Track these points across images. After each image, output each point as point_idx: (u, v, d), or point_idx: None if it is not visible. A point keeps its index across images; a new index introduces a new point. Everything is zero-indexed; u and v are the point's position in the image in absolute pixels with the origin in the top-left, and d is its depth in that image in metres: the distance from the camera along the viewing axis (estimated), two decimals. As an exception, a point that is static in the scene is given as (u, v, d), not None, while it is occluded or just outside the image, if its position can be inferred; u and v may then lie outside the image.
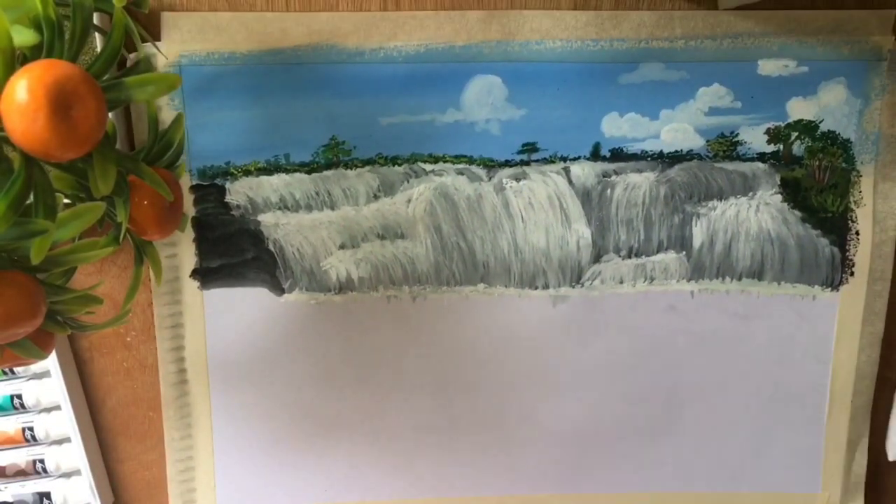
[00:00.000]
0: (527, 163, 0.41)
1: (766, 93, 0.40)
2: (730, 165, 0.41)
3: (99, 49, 0.37)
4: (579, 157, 0.41)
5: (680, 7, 0.39)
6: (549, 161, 0.41)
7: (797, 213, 0.42)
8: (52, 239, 0.25)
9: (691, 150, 0.41)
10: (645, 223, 0.42)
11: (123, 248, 0.39)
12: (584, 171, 0.41)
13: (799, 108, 0.41)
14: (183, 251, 0.41)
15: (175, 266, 0.41)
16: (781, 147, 0.41)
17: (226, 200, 0.41)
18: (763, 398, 0.44)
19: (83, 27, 0.26)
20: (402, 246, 0.42)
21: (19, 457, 0.43)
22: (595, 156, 0.41)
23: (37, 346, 0.30)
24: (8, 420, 0.43)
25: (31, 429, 0.43)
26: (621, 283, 0.42)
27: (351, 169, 0.41)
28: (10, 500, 0.43)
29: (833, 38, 0.40)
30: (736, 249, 0.42)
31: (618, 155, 0.41)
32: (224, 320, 0.42)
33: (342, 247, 0.42)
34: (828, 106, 0.41)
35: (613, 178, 0.41)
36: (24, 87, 0.23)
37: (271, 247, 0.42)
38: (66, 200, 0.31)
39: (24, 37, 0.24)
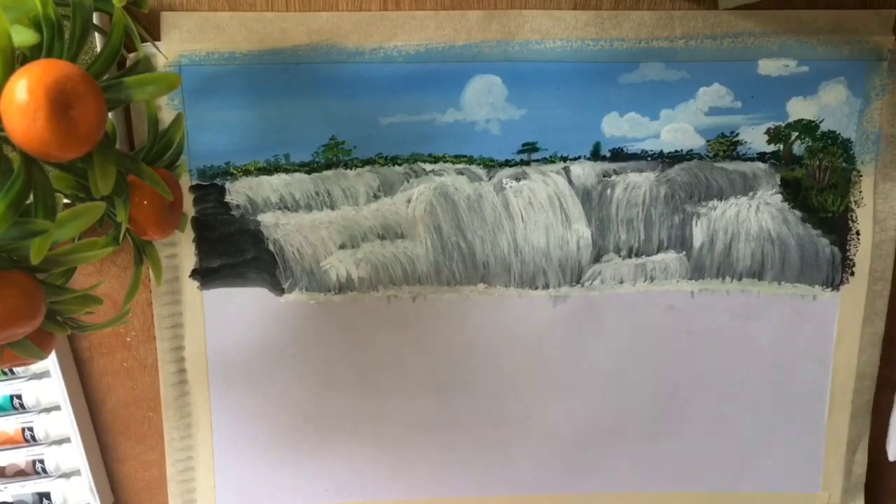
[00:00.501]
0: (527, 163, 0.41)
1: (767, 92, 0.40)
2: (730, 165, 0.41)
3: (99, 49, 0.37)
4: (579, 157, 0.41)
5: (680, 7, 0.39)
6: (549, 161, 0.41)
7: (797, 212, 0.42)
8: (51, 239, 0.25)
9: (691, 150, 0.41)
10: (645, 223, 0.42)
11: (123, 248, 0.39)
12: (584, 171, 0.41)
13: (799, 108, 0.41)
14: (183, 251, 0.41)
15: (175, 266, 0.41)
16: (781, 147, 0.41)
17: (226, 200, 0.41)
18: (763, 398, 0.44)
19: (83, 27, 0.26)
20: (402, 246, 0.42)
21: (19, 457, 0.43)
22: (595, 156, 0.41)
23: (37, 346, 0.30)
24: (8, 420, 0.43)
25: (30, 429, 0.43)
26: (621, 282, 0.42)
27: (351, 169, 0.41)
28: (10, 500, 0.43)
29: (833, 38, 0.40)
30: (736, 249, 0.42)
31: (618, 155, 0.41)
32: (224, 320, 0.42)
33: (342, 247, 0.42)
34: (828, 106, 0.41)
35: (613, 177, 0.41)
36: (23, 86, 0.23)
37: (271, 247, 0.42)
38: (66, 200, 0.31)
39: (23, 37, 0.24)
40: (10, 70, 0.23)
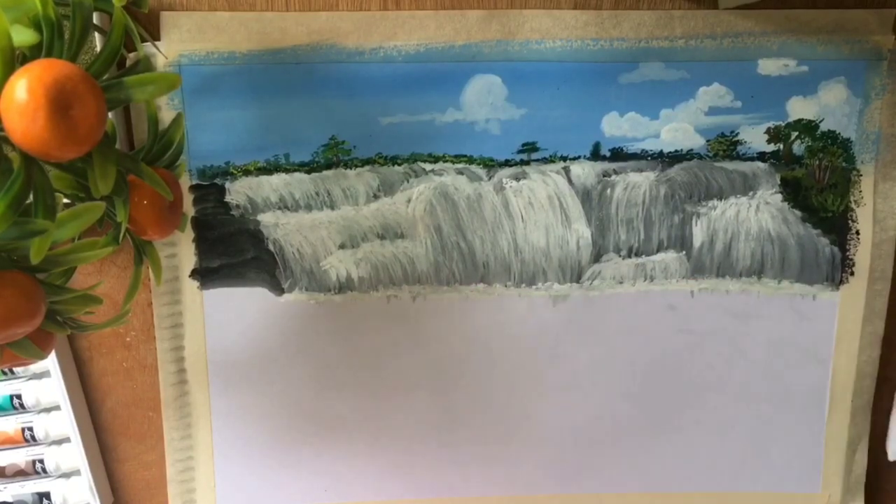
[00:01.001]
0: (527, 162, 0.41)
1: (767, 92, 0.40)
2: (730, 165, 0.41)
3: (99, 49, 0.37)
4: (579, 157, 0.41)
5: (680, 7, 0.39)
6: (549, 161, 0.41)
7: (797, 212, 0.42)
8: (51, 239, 0.25)
9: (691, 150, 0.41)
10: (645, 223, 0.42)
11: (123, 248, 0.39)
12: (584, 171, 0.41)
13: (799, 108, 0.41)
14: (182, 251, 0.41)
15: (175, 266, 0.41)
16: (781, 146, 0.41)
17: (225, 200, 0.41)
18: (763, 398, 0.44)
19: (83, 27, 0.26)
20: (401, 246, 0.42)
21: (19, 457, 0.43)
22: (595, 155, 0.41)
23: (36, 346, 0.30)
24: (7, 420, 0.43)
25: (30, 429, 0.43)
26: (621, 282, 0.42)
27: (351, 169, 0.41)
28: (10, 500, 0.43)
29: (833, 38, 0.40)
30: (736, 249, 0.42)
31: (618, 154, 0.41)
32: (224, 320, 0.42)
33: (342, 247, 0.42)
34: (828, 105, 0.41)
35: (613, 177, 0.41)
36: (23, 86, 0.23)
37: (271, 247, 0.41)
38: (65, 200, 0.31)
39: (23, 36, 0.24)
40: (10, 70, 0.23)
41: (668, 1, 0.39)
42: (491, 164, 0.41)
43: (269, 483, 0.45)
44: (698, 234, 0.42)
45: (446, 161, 0.41)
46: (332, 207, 0.41)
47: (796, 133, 0.41)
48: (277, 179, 0.41)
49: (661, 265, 0.42)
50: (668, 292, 0.43)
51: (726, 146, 0.41)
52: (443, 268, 0.42)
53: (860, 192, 0.42)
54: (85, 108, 0.24)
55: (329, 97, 0.40)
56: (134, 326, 0.42)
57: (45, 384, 0.42)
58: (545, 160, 0.41)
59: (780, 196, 0.42)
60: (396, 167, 0.41)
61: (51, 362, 0.41)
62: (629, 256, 0.42)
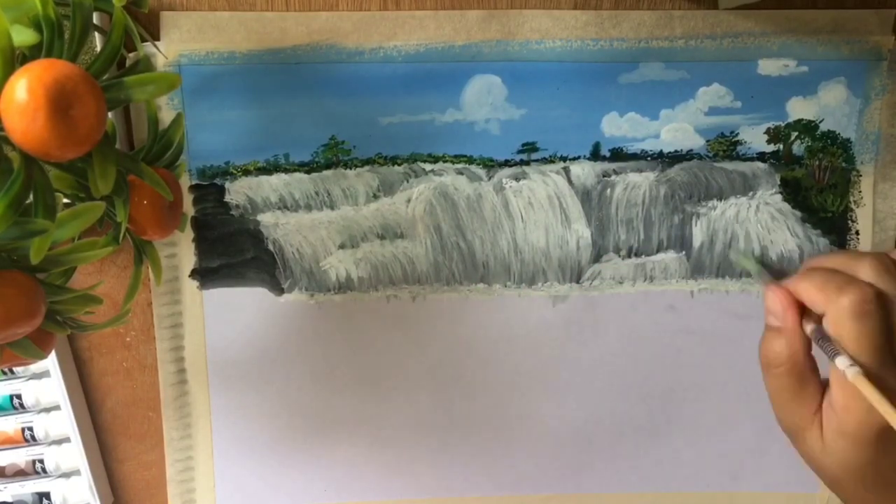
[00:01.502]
0: (526, 162, 0.41)
1: (766, 92, 0.40)
2: (730, 165, 0.41)
3: (99, 49, 0.37)
4: (579, 157, 0.41)
5: (680, 7, 0.39)
6: (549, 161, 0.41)
7: (797, 212, 0.42)
8: (51, 239, 0.25)
9: (691, 150, 0.41)
10: (645, 223, 0.42)
11: (123, 248, 0.39)
12: (583, 171, 0.41)
13: (799, 108, 0.41)
14: (182, 251, 0.41)
15: (174, 266, 0.41)
16: (781, 147, 0.41)
17: (225, 200, 0.41)
18: (762, 398, 0.44)
19: (83, 27, 0.26)
20: (401, 246, 0.42)
21: (19, 457, 0.43)
22: (595, 155, 0.41)
23: (36, 345, 0.30)
24: (7, 420, 0.43)
25: (30, 429, 0.43)
26: (621, 282, 0.42)
27: (350, 169, 0.41)
28: (10, 500, 0.43)
29: (833, 38, 0.40)
30: (736, 249, 0.42)
31: (618, 155, 0.41)
32: (223, 320, 0.42)
33: (342, 247, 0.42)
34: (828, 106, 0.41)
35: (613, 177, 0.41)
36: (23, 86, 0.23)
37: (271, 247, 0.41)
38: (65, 200, 0.31)
39: (23, 36, 0.24)
40: (10, 70, 0.23)
41: (668, 1, 0.39)
42: (491, 164, 0.41)
43: (268, 483, 0.45)
44: (698, 234, 0.42)
45: (446, 161, 0.41)
46: (332, 207, 0.41)
47: (796, 133, 0.41)
48: (277, 179, 0.41)
49: (661, 265, 0.42)
50: (668, 292, 0.43)
51: (726, 146, 0.41)
52: (443, 268, 0.42)
53: (860, 192, 0.42)
54: (85, 108, 0.24)
55: (329, 97, 0.40)
56: (134, 326, 0.42)
57: (45, 384, 0.42)
58: (545, 160, 0.41)
59: (779, 196, 0.42)
60: (396, 167, 0.41)
61: (51, 362, 0.41)
62: (629, 256, 0.42)
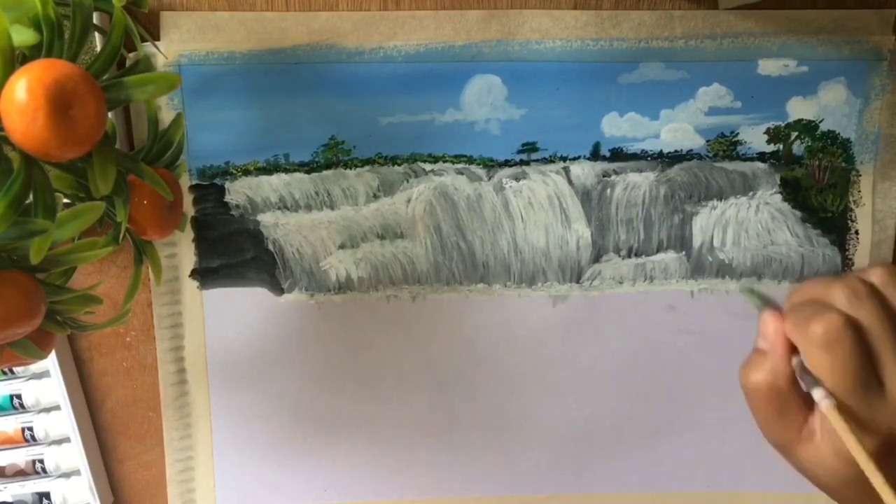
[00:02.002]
0: (526, 162, 0.41)
1: (766, 92, 0.40)
2: (730, 165, 0.41)
3: (99, 49, 0.37)
4: (579, 157, 0.41)
5: (680, 7, 0.39)
6: (549, 161, 0.41)
7: (797, 212, 0.42)
8: (51, 239, 0.25)
9: (691, 150, 0.41)
10: (645, 223, 0.42)
11: (123, 248, 0.39)
12: (583, 171, 0.41)
13: (799, 108, 0.41)
14: (182, 251, 0.41)
15: (174, 266, 0.41)
16: (781, 147, 0.41)
17: (225, 200, 0.41)
18: (763, 398, 0.44)
19: (83, 27, 0.26)
20: (401, 246, 0.42)
21: (19, 457, 0.43)
22: (595, 155, 0.41)
23: (36, 345, 0.30)
24: (7, 420, 0.43)
25: (30, 429, 0.43)
26: (621, 282, 0.42)
27: (350, 169, 0.41)
28: (10, 500, 0.43)
29: (833, 38, 0.40)
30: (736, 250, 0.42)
31: (618, 155, 0.41)
32: (223, 320, 0.42)
33: (342, 247, 0.42)
34: (828, 106, 0.41)
35: (613, 177, 0.41)
36: (23, 86, 0.23)
37: (271, 247, 0.41)
38: (65, 200, 0.31)
39: (23, 36, 0.24)
40: (10, 70, 0.23)
41: (668, 1, 0.39)
42: (491, 164, 0.41)
43: (268, 483, 0.45)
44: (698, 234, 0.42)
45: (446, 161, 0.41)
46: (332, 207, 0.41)
47: (796, 133, 0.41)
48: (277, 179, 0.41)
49: (661, 265, 0.42)
50: (668, 292, 0.43)
51: (726, 146, 0.41)
52: (443, 268, 0.42)
53: (859, 192, 0.42)
54: (85, 108, 0.24)
55: (329, 97, 0.40)
56: (134, 326, 0.42)
57: (45, 384, 0.42)
58: (545, 160, 0.41)
59: (779, 196, 0.42)
60: (396, 167, 0.41)
61: (51, 362, 0.41)
62: (629, 256, 0.42)
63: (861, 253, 0.42)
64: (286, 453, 0.44)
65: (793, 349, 0.32)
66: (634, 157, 0.41)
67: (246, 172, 0.40)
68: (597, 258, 0.42)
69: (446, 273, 0.42)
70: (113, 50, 0.27)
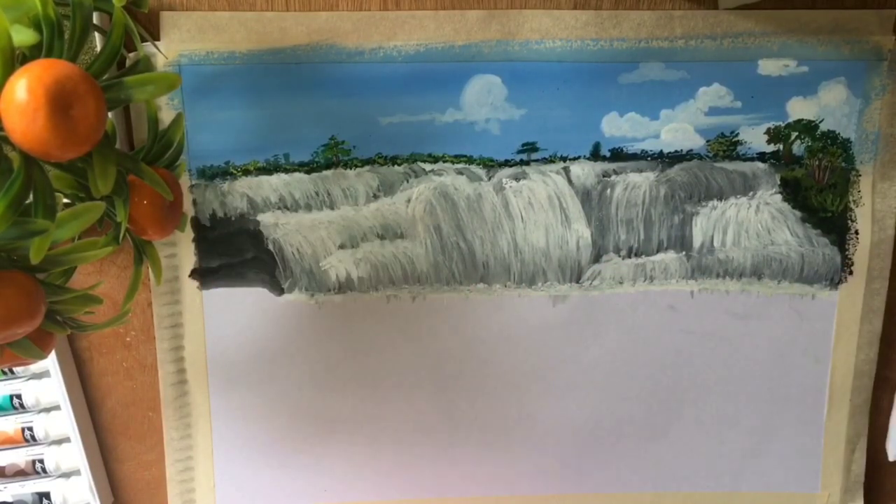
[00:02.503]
0: (526, 162, 0.41)
1: (766, 92, 0.40)
2: (730, 165, 0.41)
3: (99, 49, 0.37)
4: (579, 157, 0.41)
5: (680, 7, 0.39)
6: (549, 161, 0.41)
7: (797, 212, 0.42)
8: (51, 239, 0.25)
9: (691, 150, 0.41)
10: (645, 223, 0.42)
11: (123, 248, 0.39)
12: (583, 171, 0.41)
13: (799, 108, 0.41)
14: (182, 251, 0.41)
15: (174, 266, 0.41)
16: (781, 147, 0.41)
17: (225, 200, 0.41)
18: (762, 398, 0.44)
19: (83, 27, 0.26)
20: (401, 246, 0.42)
21: (19, 457, 0.43)
22: (595, 156, 0.41)
23: (36, 345, 0.30)
24: (7, 420, 0.43)
25: (30, 429, 0.43)
26: (621, 282, 0.42)
27: (350, 169, 0.41)
28: (10, 500, 0.43)
29: (833, 38, 0.40)
30: (736, 249, 0.42)
31: (618, 155, 0.41)
32: (223, 320, 0.42)
33: (342, 247, 0.42)
34: (828, 106, 0.41)
35: (613, 177, 0.41)
36: (23, 86, 0.23)
37: (271, 247, 0.41)
38: (65, 200, 0.31)
39: (23, 36, 0.24)
40: (10, 70, 0.23)
41: (668, 1, 0.39)
42: (491, 164, 0.41)
43: (268, 483, 0.45)
44: (698, 234, 0.42)
45: (446, 161, 0.41)
46: (332, 207, 0.41)
47: (796, 133, 0.41)
48: (277, 179, 0.41)
49: (661, 265, 0.42)
50: (668, 292, 0.43)
51: (726, 146, 0.41)
52: (443, 268, 0.42)
53: (859, 191, 0.42)
54: (85, 108, 0.24)
55: (329, 97, 0.40)
56: (134, 326, 0.42)
57: (45, 384, 0.42)
58: (545, 160, 0.41)
59: (779, 196, 0.42)
60: (396, 167, 0.41)
61: (51, 362, 0.41)
62: (629, 257, 0.42)
63: (860, 253, 0.42)
64: (286, 453, 0.44)
65: None
66: (634, 157, 0.41)
67: (246, 172, 0.40)
68: (597, 258, 0.42)
69: (446, 273, 0.42)
70: (113, 50, 0.27)
